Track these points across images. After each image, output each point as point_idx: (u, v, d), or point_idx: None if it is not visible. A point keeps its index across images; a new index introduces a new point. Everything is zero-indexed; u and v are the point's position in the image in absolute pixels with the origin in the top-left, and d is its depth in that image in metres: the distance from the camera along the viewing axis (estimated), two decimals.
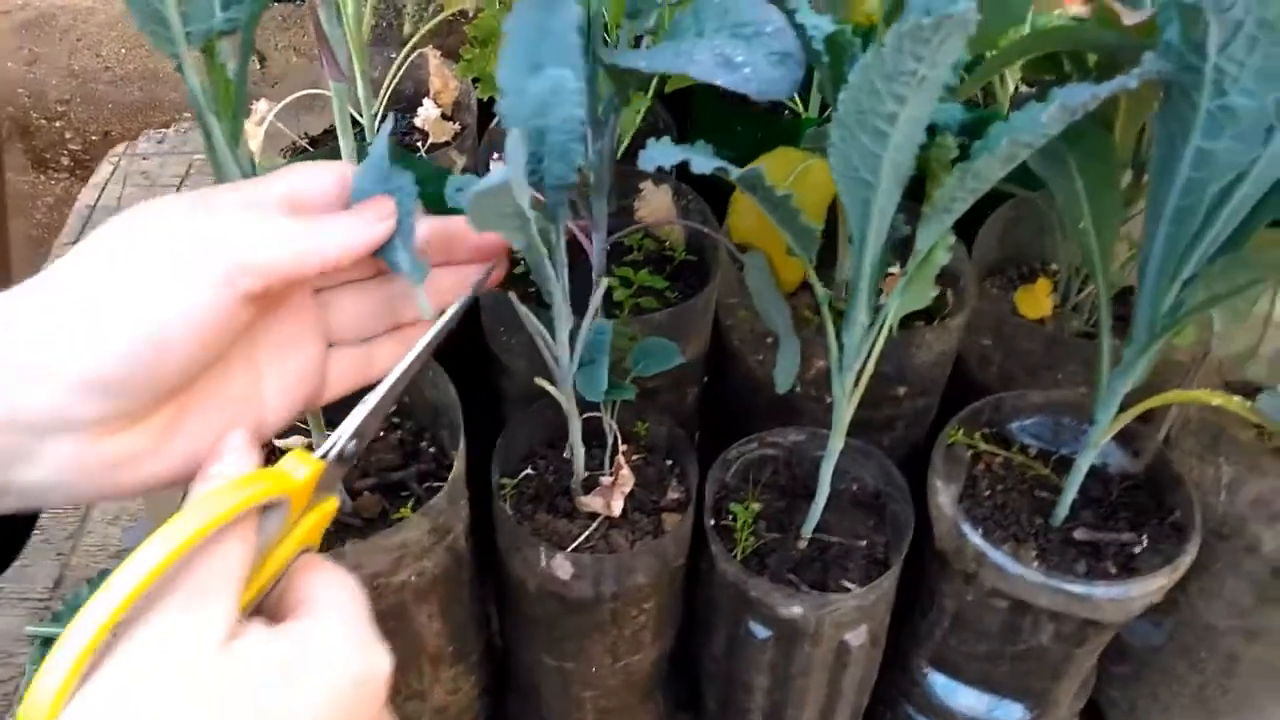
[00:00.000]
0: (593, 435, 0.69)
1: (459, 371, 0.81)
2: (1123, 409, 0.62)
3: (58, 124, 2.54)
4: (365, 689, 0.36)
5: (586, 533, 0.68)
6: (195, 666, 0.33)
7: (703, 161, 0.48)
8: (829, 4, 0.60)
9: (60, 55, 2.72)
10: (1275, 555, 0.68)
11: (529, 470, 0.72)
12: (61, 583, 0.95)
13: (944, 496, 0.69)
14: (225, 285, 0.38)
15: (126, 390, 0.37)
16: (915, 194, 0.52)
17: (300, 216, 0.42)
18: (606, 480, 0.67)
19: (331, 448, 0.42)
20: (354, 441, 0.43)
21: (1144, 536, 0.69)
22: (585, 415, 0.66)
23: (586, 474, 0.68)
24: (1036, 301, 0.76)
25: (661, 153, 0.48)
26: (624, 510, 0.68)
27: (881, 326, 0.58)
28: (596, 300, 0.57)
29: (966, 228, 0.82)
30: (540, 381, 0.59)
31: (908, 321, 0.79)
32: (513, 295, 0.58)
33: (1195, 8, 0.41)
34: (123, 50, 2.72)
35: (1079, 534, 0.69)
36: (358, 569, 0.59)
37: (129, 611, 0.33)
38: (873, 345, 0.59)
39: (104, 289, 0.37)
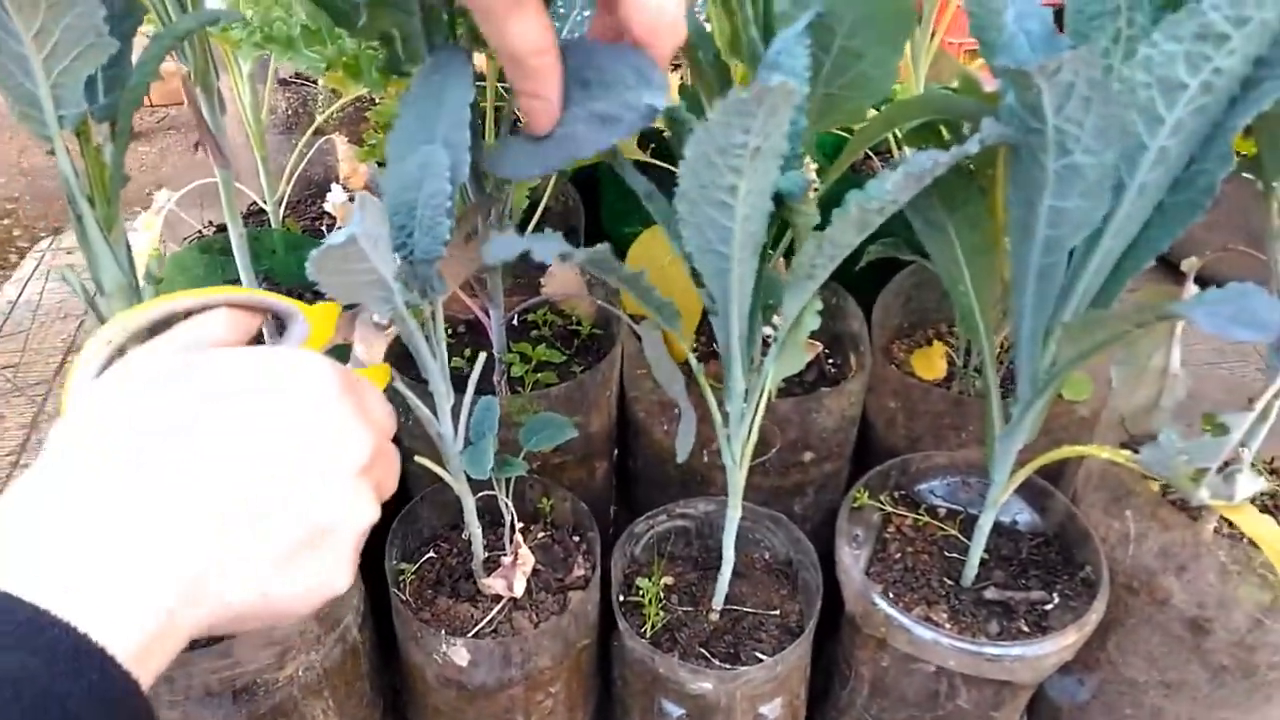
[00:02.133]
0: (495, 514, 0.67)
1: None
2: (1019, 466, 0.61)
3: (5, 221, 2.51)
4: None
5: (489, 616, 0.65)
6: (185, 370, 0.36)
7: (544, 248, 0.46)
8: (698, 80, 0.60)
9: (10, 153, 2.70)
10: (1185, 607, 0.66)
11: (431, 554, 0.69)
12: None
13: (849, 560, 0.67)
14: None
15: None
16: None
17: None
18: (507, 560, 0.64)
19: None
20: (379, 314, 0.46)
21: (1055, 594, 0.67)
22: (484, 494, 0.63)
23: (487, 555, 0.65)
24: (932, 364, 0.75)
25: (503, 245, 0.47)
26: (528, 590, 0.66)
27: (761, 393, 0.57)
28: (474, 376, 0.55)
29: (869, 293, 0.82)
30: (423, 461, 0.57)
31: (812, 387, 0.78)
32: (395, 373, 0.56)
33: (1024, 74, 0.41)
34: (74, 148, 2.71)
35: (990, 594, 0.67)
36: (238, 667, 0.56)
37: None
38: (755, 411, 0.58)
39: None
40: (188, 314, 0.42)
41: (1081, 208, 0.46)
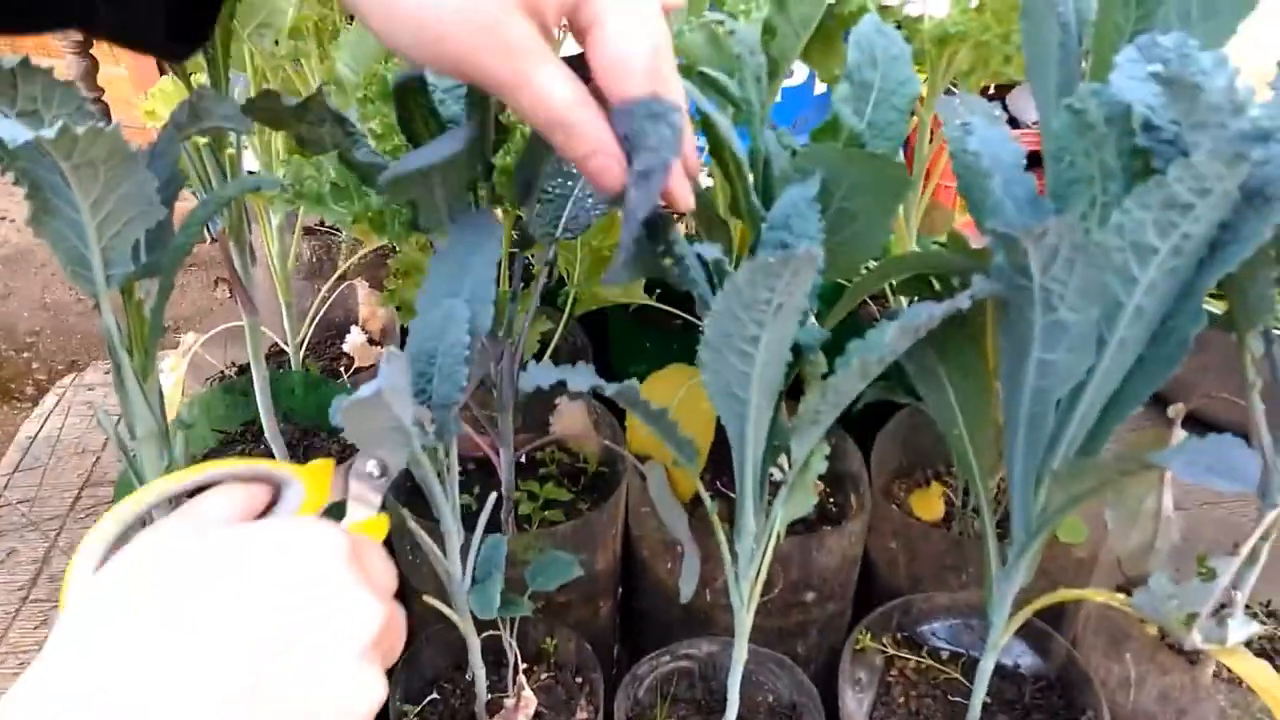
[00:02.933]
0: (499, 654, 0.67)
1: None
2: (1017, 608, 0.62)
3: (25, 355, 2.55)
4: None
5: None
6: (188, 552, 0.36)
7: (579, 380, 0.49)
8: (707, 233, 0.63)
9: (34, 289, 2.76)
10: None
11: (435, 695, 0.68)
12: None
13: (853, 705, 0.67)
14: None
15: None
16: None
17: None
18: (510, 703, 0.64)
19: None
20: (373, 463, 0.46)
21: None
22: (488, 634, 0.64)
23: (490, 696, 0.65)
24: (930, 504, 0.77)
25: (541, 374, 0.50)
26: None
27: (770, 533, 0.58)
28: (484, 514, 0.56)
29: (868, 434, 0.84)
30: (430, 600, 0.58)
31: (814, 527, 0.79)
32: (405, 510, 0.57)
33: (1013, 237, 0.44)
34: None
35: None
36: None
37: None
38: (764, 552, 0.59)
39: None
40: (186, 494, 0.43)
41: (1067, 360, 0.48)
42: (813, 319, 0.60)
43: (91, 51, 1.91)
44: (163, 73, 0.97)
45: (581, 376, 0.49)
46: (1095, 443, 0.53)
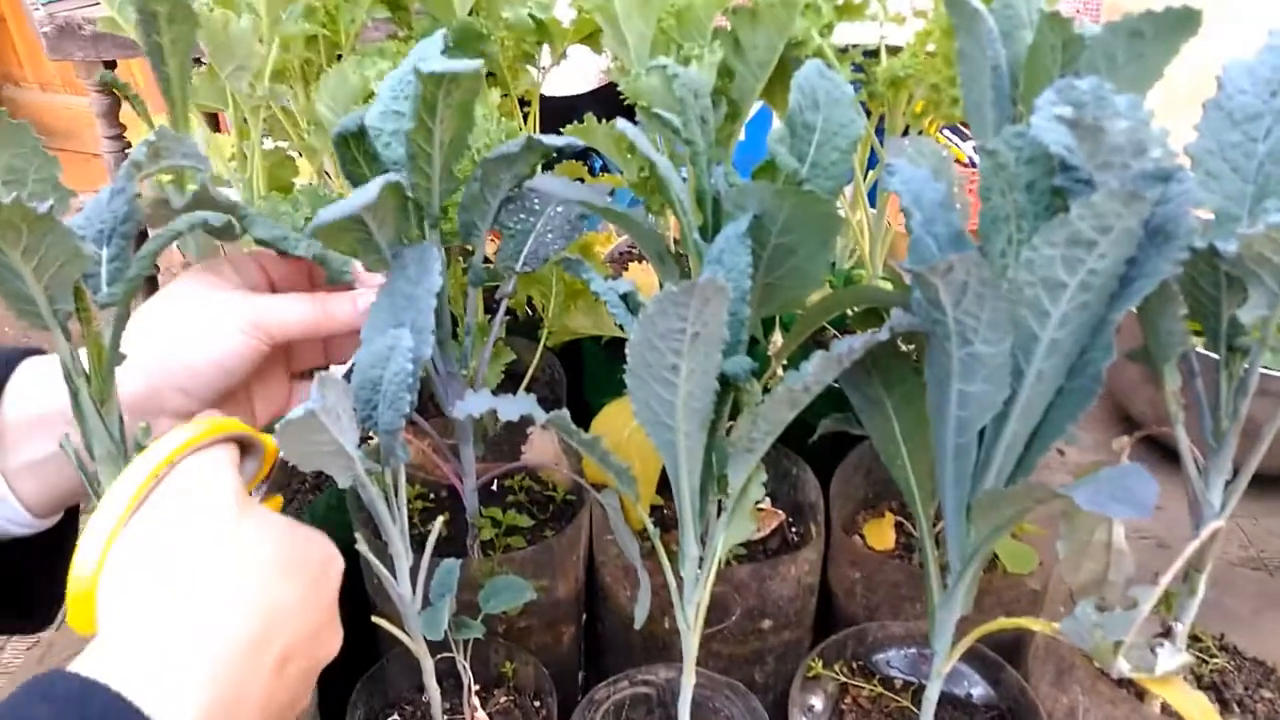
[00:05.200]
0: (458, 677, 0.67)
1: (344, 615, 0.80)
2: (960, 637, 0.62)
3: None
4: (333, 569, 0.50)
5: None
6: (216, 524, 0.45)
7: (509, 409, 0.50)
8: (658, 268, 0.64)
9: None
10: None
11: (395, 717, 0.69)
12: None
13: None
14: (249, 337, 0.56)
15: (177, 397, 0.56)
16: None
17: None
18: None
19: None
20: None
21: None
22: (445, 656, 0.64)
23: (446, 719, 0.65)
24: (882, 534, 0.77)
25: (474, 402, 0.51)
26: None
27: (713, 559, 0.59)
28: (432, 537, 0.57)
29: (829, 465, 0.85)
30: (379, 620, 0.59)
31: (774, 555, 0.79)
32: (359, 534, 0.58)
33: (920, 274, 0.45)
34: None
35: None
36: None
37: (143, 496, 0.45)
38: (708, 576, 0.59)
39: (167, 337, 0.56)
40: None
41: (985, 391, 0.49)
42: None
43: (114, 90, 1.96)
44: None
45: (513, 405, 0.50)
46: (1022, 470, 0.54)
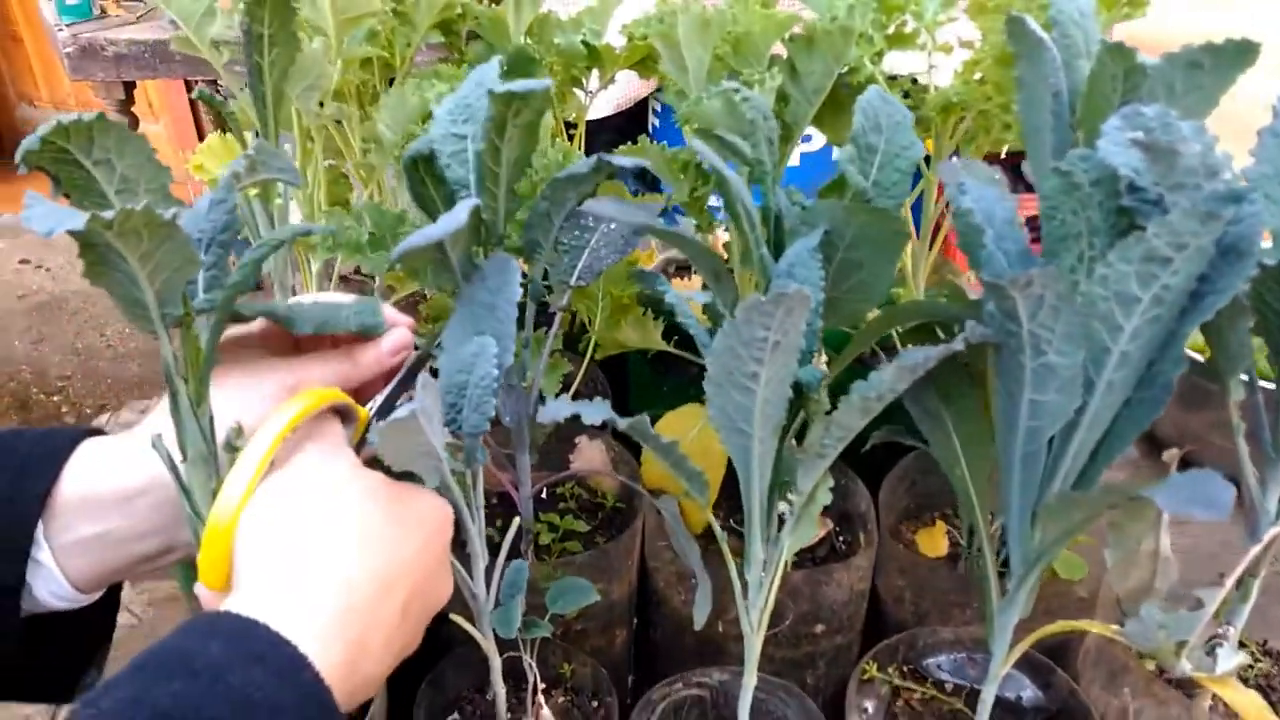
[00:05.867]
0: (519, 677, 0.69)
1: None
2: (1017, 641, 0.63)
3: (55, 398, 2.59)
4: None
5: None
6: (340, 484, 0.49)
7: (593, 413, 0.51)
8: (714, 284, 0.66)
9: (66, 334, 2.82)
10: None
11: (455, 716, 0.70)
12: None
13: None
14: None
15: None
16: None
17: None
18: None
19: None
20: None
21: None
22: (509, 655, 0.66)
23: (510, 716, 0.67)
24: (935, 542, 0.78)
25: (558, 408, 0.52)
26: None
27: (778, 563, 0.60)
28: (508, 540, 0.59)
29: (878, 476, 0.86)
30: (455, 618, 0.60)
31: (824, 562, 0.81)
32: None
33: (1000, 286, 0.47)
34: (125, 330, 2.81)
35: None
36: None
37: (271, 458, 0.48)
38: (772, 581, 0.61)
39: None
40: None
41: (1057, 401, 0.50)
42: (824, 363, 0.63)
43: (132, 110, 2.00)
44: (200, 132, 1.03)
45: (596, 410, 0.51)
46: (1087, 480, 0.55)
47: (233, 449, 0.57)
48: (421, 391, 0.46)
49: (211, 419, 0.60)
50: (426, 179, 0.63)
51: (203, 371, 0.56)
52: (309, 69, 0.76)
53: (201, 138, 2.62)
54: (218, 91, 0.91)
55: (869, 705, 0.72)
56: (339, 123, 0.94)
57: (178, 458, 0.58)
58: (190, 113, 3.06)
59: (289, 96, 0.79)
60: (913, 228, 0.92)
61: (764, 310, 0.45)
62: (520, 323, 0.79)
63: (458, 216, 0.53)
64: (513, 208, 0.64)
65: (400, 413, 0.46)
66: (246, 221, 0.73)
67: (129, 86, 1.95)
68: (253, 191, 0.72)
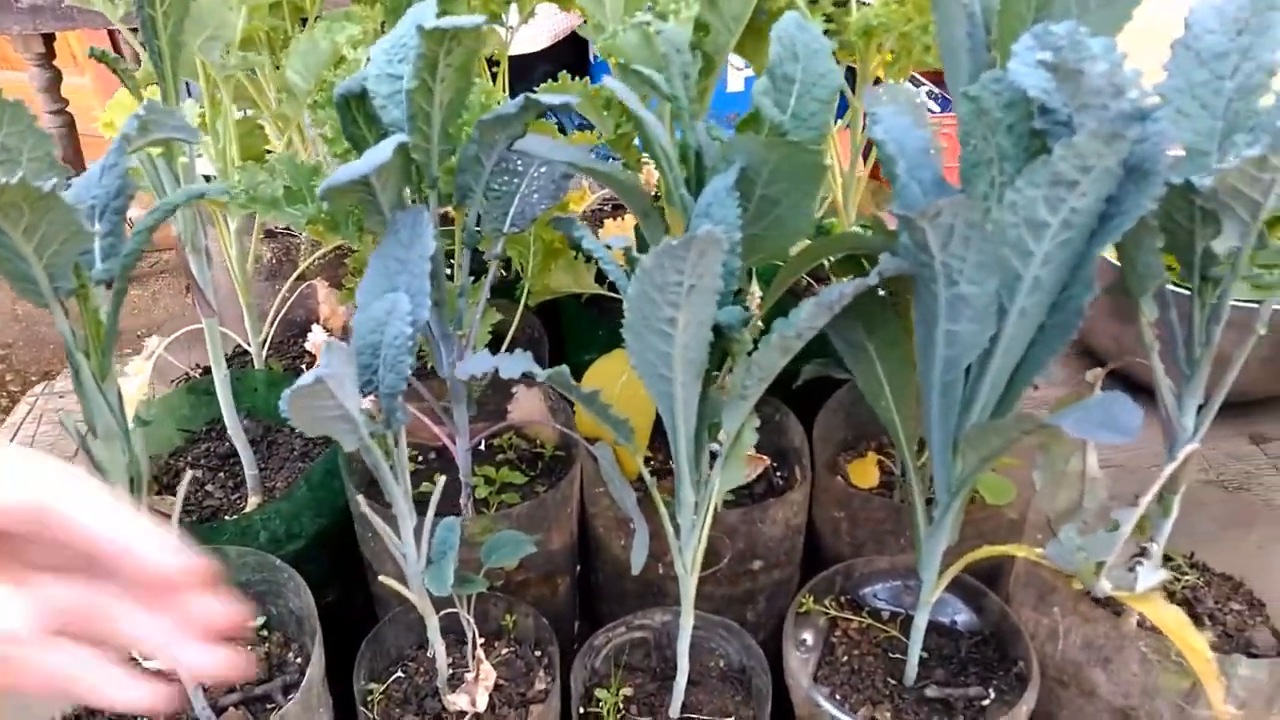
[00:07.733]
0: (461, 632, 0.68)
1: (341, 579, 0.80)
2: (946, 567, 0.64)
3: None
4: None
5: None
6: None
7: (511, 366, 0.50)
8: (643, 223, 0.65)
9: (4, 302, 2.73)
10: (1112, 697, 0.68)
11: (399, 673, 0.70)
12: None
13: (796, 664, 0.69)
14: None
15: None
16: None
17: None
18: (470, 676, 0.65)
19: None
20: None
21: (991, 689, 0.69)
22: (448, 612, 0.65)
23: (451, 672, 0.66)
24: (866, 473, 0.79)
25: (477, 362, 0.51)
26: (490, 705, 0.66)
27: (708, 505, 0.60)
28: (435, 497, 0.58)
29: (813, 410, 0.86)
30: (386, 580, 0.59)
31: (762, 499, 0.81)
32: (360, 497, 0.59)
33: (909, 218, 0.46)
34: None
35: (930, 691, 0.69)
36: None
37: None
38: (704, 522, 0.60)
39: None
40: None
41: (971, 330, 0.50)
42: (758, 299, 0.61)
43: (54, 63, 1.90)
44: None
45: (514, 363, 0.50)
46: (1006, 405, 0.55)
47: (142, 423, 0.55)
48: (327, 355, 0.45)
49: (120, 393, 0.58)
50: (360, 119, 0.60)
51: (105, 344, 0.54)
52: (208, 18, 0.73)
53: None
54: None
55: (807, 637, 0.72)
56: (252, 72, 0.90)
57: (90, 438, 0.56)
58: None
59: (189, 47, 0.75)
60: (843, 156, 0.91)
61: (676, 254, 0.44)
62: (452, 272, 0.78)
63: (383, 152, 0.51)
64: (446, 151, 0.61)
65: (305, 378, 0.44)
66: (152, 183, 0.70)
67: (48, 39, 1.85)
68: (156, 151, 0.69)
